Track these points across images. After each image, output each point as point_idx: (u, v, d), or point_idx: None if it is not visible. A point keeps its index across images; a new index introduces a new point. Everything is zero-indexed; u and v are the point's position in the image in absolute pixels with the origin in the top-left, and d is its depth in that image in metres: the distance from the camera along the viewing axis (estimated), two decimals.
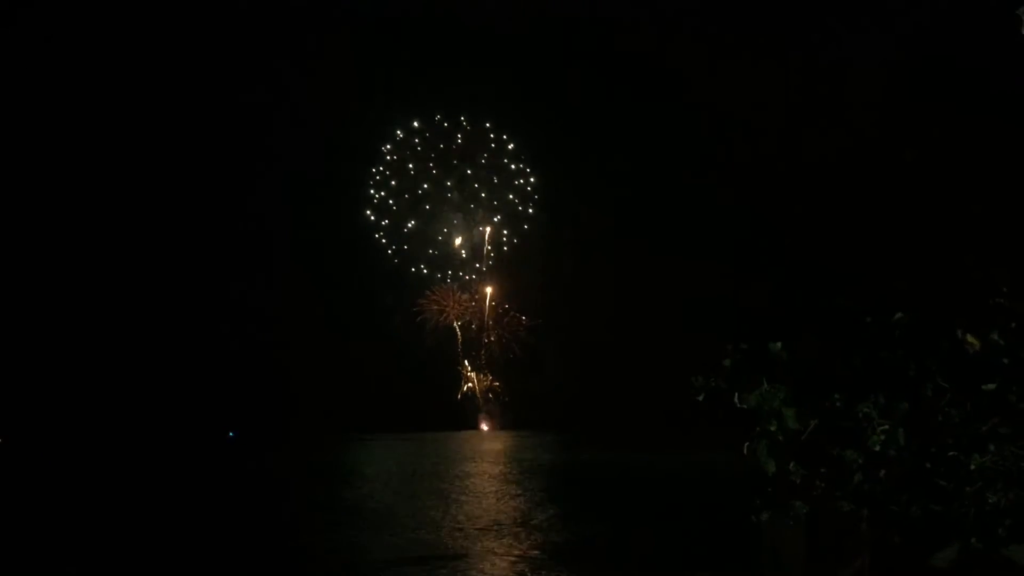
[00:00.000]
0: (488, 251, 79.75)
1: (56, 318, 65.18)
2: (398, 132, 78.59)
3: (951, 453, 4.17)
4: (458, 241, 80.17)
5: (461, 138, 78.62)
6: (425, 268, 79.35)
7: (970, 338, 4.07)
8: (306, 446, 51.64)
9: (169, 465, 40.33)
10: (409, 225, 78.66)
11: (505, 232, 79.64)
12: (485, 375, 79.60)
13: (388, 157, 78.52)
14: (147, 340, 67.31)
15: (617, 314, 69.61)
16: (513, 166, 79.15)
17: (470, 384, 79.94)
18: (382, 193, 78.33)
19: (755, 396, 4.11)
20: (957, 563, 4.16)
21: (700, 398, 4.22)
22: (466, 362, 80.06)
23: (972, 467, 4.14)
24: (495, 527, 18.98)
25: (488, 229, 79.57)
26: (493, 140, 78.49)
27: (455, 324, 79.37)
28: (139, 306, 68.20)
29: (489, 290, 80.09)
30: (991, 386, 4.04)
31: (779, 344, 4.17)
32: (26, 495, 28.46)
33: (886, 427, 4.18)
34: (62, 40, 66.92)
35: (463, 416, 76.97)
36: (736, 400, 4.13)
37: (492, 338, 79.59)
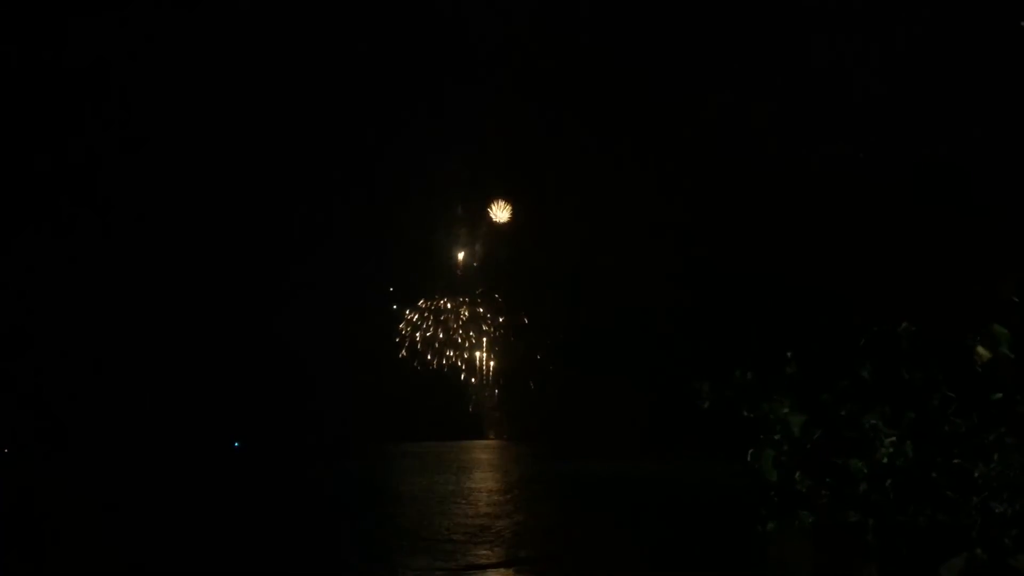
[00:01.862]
0: (489, 263, 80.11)
1: (59, 323, 65.28)
2: None
3: (957, 462, 4.18)
4: (460, 256, 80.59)
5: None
6: (427, 284, 79.82)
7: (980, 349, 4.07)
8: (312, 457, 51.64)
9: (173, 475, 40.33)
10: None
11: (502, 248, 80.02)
12: (491, 391, 79.87)
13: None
14: (154, 348, 67.46)
15: (620, 325, 69.56)
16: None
17: (475, 397, 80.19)
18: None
19: (763, 406, 4.13)
20: (964, 573, 4.15)
21: (705, 405, 4.24)
22: (462, 377, 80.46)
23: (977, 476, 4.14)
24: (499, 532, 18.97)
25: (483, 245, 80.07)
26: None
27: (453, 337, 79.72)
28: (150, 315, 68.36)
29: (486, 306, 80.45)
30: (999, 395, 4.04)
31: (790, 355, 4.19)
32: (32, 504, 28.48)
33: (892, 437, 4.19)
34: None
35: (472, 427, 77.11)
36: (745, 411, 4.15)
37: (493, 355, 79.87)
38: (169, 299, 68.59)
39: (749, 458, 4.23)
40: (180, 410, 63.98)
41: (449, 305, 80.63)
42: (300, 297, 72.07)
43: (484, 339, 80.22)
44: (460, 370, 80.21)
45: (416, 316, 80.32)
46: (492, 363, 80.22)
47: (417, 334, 79.82)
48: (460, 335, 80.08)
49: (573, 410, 67.87)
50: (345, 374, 70.82)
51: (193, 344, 68.19)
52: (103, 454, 52.12)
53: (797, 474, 4.24)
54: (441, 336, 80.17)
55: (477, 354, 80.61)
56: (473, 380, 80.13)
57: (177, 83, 70.02)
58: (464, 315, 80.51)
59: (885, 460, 4.21)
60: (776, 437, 4.17)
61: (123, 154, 68.07)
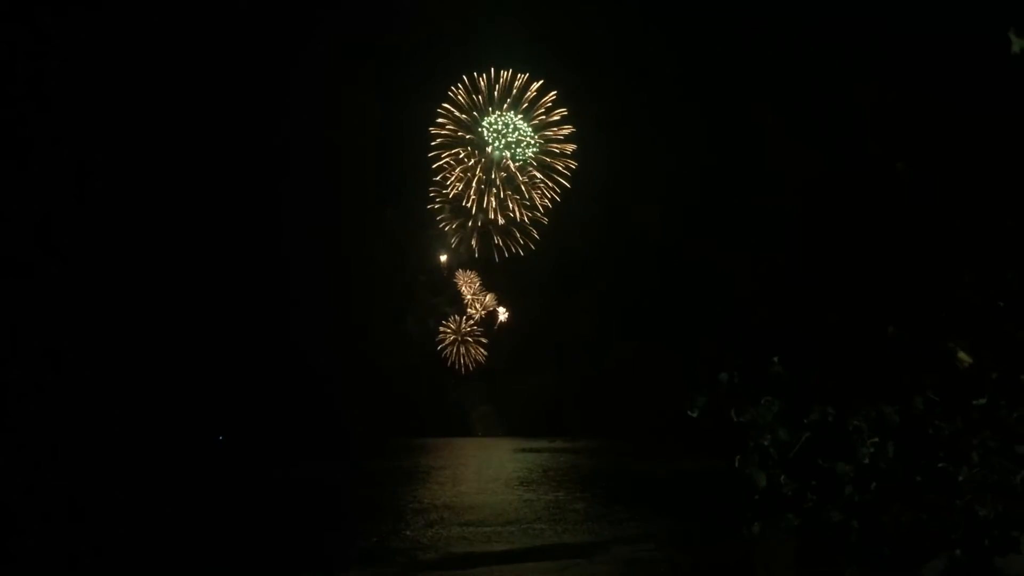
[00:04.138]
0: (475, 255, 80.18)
1: (49, 318, 64.62)
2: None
3: (940, 465, 4.21)
4: (443, 259, 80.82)
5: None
6: (412, 278, 79.87)
7: (961, 355, 4.10)
8: (297, 455, 51.51)
9: (157, 469, 40.14)
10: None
11: (498, 241, 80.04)
12: (478, 383, 79.76)
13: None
14: (143, 343, 66.98)
15: (612, 323, 69.78)
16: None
17: (460, 391, 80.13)
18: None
19: (750, 412, 4.15)
20: (946, 574, 4.18)
21: (695, 415, 4.25)
22: (446, 373, 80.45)
23: (961, 479, 4.17)
24: (496, 533, 19.01)
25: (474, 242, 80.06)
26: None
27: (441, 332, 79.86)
28: (138, 308, 67.81)
29: (472, 302, 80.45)
30: (982, 401, 4.08)
31: (777, 360, 4.21)
32: (30, 502, 28.20)
33: (876, 440, 4.22)
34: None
35: (459, 423, 77.02)
36: (733, 415, 4.17)
37: (470, 347, 79.94)
38: (156, 292, 68.19)
39: (737, 464, 4.25)
40: (164, 403, 63.61)
41: (434, 301, 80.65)
42: (293, 296, 71.94)
43: (472, 332, 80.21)
44: (445, 365, 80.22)
45: (406, 311, 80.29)
46: (479, 357, 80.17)
47: (408, 324, 79.78)
48: (445, 325, 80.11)
49: (566, 406, 68.05)
50: (332, 369, 70.70)
51: (180, 336, 67.82)
52: (86, 446, 51.77)
53: (783, 477, 4.26)
54: (427, 328, 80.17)
55: (463, 348, 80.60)
56: (455, 385, 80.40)
57: (181, 79, 69.87)
58: (451, 314, 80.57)
59: (868, 460, 4.24)
60: (765, 443, 4.19)
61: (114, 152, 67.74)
